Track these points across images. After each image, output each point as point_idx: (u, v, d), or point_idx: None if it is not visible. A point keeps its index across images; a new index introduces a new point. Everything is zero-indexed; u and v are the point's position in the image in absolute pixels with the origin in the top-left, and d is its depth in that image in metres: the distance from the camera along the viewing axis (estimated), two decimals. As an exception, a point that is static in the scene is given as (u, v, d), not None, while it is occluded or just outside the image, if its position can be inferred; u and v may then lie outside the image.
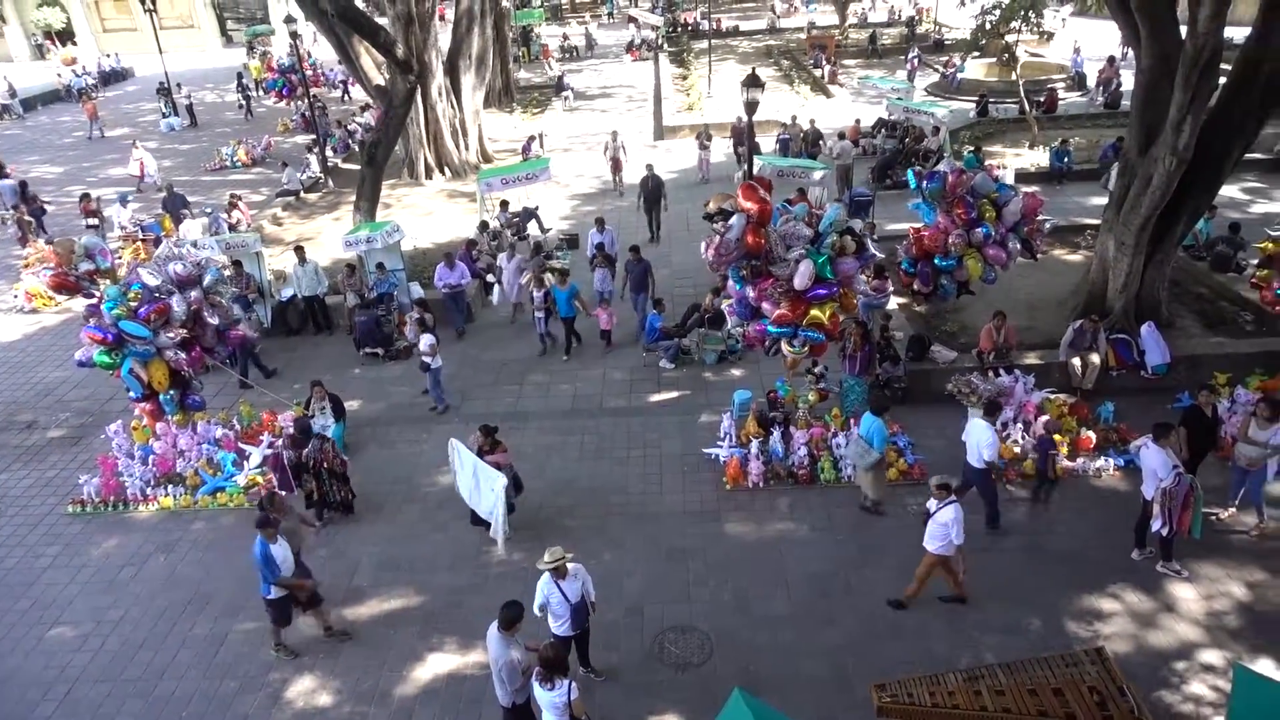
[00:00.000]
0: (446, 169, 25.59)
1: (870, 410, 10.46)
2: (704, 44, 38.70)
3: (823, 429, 12.00)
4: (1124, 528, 9.88)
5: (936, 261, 14.22)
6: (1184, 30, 11.82)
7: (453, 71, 25.87)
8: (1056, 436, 11.27)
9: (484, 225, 18.21)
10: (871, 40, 41.01)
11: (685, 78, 36.34)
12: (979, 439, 9.81)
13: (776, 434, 11.76)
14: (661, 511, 10.99)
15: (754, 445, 11.59)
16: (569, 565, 7.94)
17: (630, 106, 33.75)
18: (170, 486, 11.86)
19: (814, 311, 11.27)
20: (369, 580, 10.17)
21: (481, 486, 10.14)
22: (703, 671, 8.65)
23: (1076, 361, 12.39)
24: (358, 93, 34.18)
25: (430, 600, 9.79)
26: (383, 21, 23.45)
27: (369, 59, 22.15)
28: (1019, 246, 14.09)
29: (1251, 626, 8.79)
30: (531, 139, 25.78)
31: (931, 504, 8.82)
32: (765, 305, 11.44)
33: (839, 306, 11.56)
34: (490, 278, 16.70)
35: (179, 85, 35.25)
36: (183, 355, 12.01)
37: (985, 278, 14.21)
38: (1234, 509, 10.22)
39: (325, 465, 10.94)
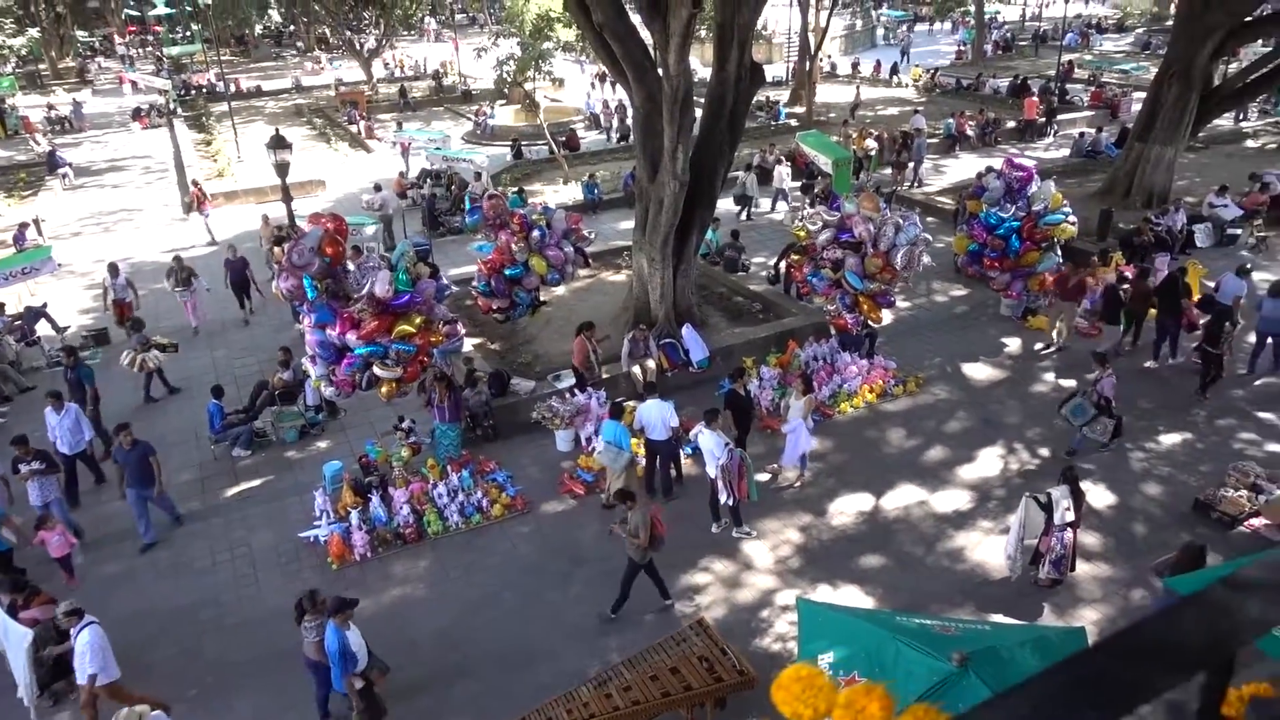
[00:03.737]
0: (-92, 275, 20.74)
1: (610, 416, 11.18)
2: (224, 106, 36.16)
3: (422, 483, 11.85)
4: (701, 507, 11.17)
5: (508, 273, 14.79)
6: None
7: (-105, 157, 21.10)
8: (634, 443, 12.36)
9: (-25, 336, 15.10)
10: (402, 94, 41.62)
11: (209, 143, 33.67)
12: (661, 415, 11.11)
13: (376, 499, 11.38)
14: (264, 614, 9.99)
15: (354, 516, 11.06)
16: (150, 715, 6.85)
17: (149, 179, 30.41)
18: None
19: (401, 325, 11.37)
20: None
21: (11, 647, 8.40)
22: (341, 770, 8.05)
23: (637, 369, 13.74)
24: None
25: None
26: None
27: None
28: (573, 251, 15.25)
29: (809, 563, 10.46)
30: (25, 226, 21.95)
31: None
32: (350, 335, 11.21)
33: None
34: None
35: None
36: None
37: (549, 280, 15.08)
38: (777, 466, 12.09)
39: None
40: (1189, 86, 20.22)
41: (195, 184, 24.24)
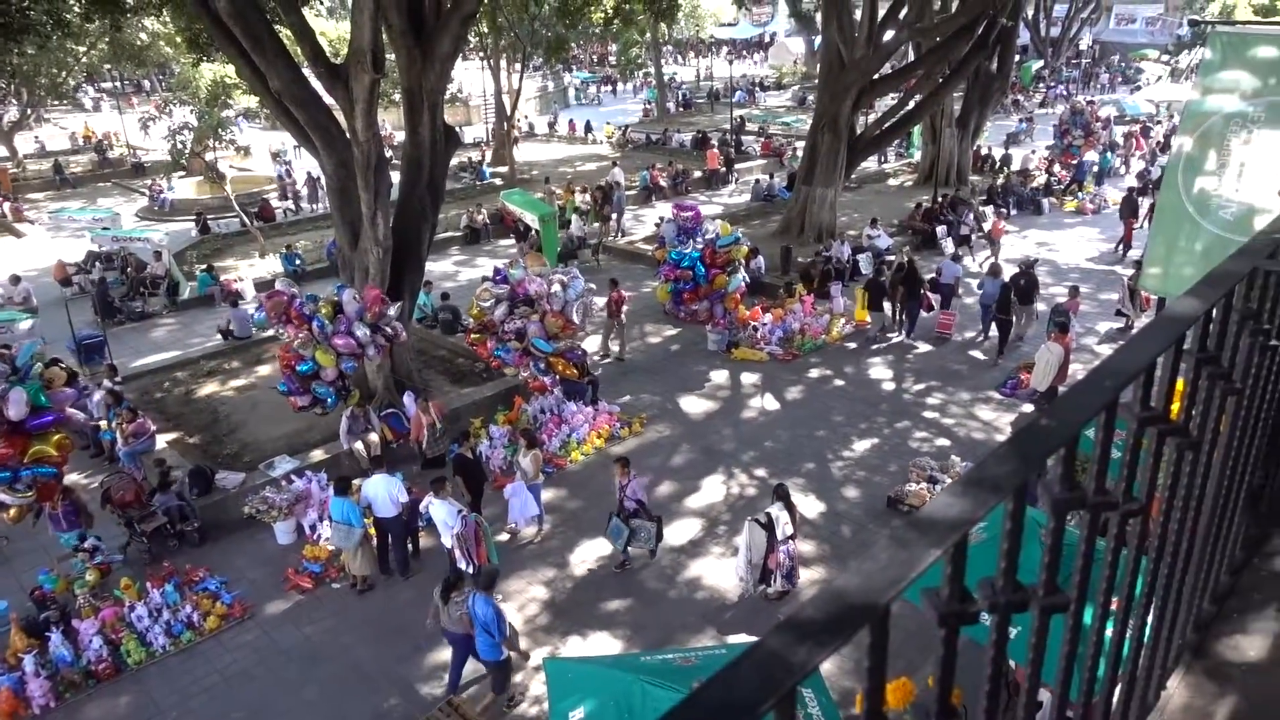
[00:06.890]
0: None
1: (335, 493, 10.78)
2: None
3: (116, 607, 10.37)
4: (440, 580, 10.74)
5: (300, 370, 13.30)
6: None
7: None
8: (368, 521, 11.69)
9: None
10: (57, 170, 37.09)
11: None
12: (387, 490, 10.73)
13: (56, 636, 9.75)
14: (-88, 803, 8.21)
15: (28, 662, 9.40)
16: None
17: None
18: None
19: (38, 445, 10.16)
20: None
21: None
22: None
23: (359, 445, 13.07)
24: None
25: None
26: None
27: None
28: (369, 334, 13.41)
29: (557, 617, 10.39)
30: None
31: None
32: None
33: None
34: None
35: None
36: None
37: (344, 367, 13.65)
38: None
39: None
40: (838, 135, 23.13)
41: None
